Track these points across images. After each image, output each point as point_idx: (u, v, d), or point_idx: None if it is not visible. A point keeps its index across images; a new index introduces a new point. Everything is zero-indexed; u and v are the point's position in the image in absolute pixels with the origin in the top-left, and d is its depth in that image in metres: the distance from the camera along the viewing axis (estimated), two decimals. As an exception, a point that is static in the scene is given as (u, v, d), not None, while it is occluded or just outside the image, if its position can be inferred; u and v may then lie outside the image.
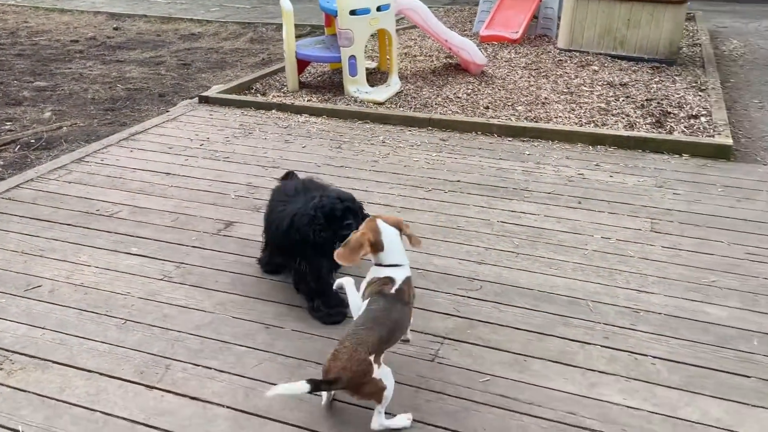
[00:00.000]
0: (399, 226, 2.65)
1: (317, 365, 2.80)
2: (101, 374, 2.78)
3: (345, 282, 2.64)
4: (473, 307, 3.24)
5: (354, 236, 2.57)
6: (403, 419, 2.46)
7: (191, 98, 6.79)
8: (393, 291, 2.51)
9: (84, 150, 5.32)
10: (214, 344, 2.96)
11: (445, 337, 3.02)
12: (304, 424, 2.51)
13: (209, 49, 9.45)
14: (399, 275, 2.57)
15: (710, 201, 4.40)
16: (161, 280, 3.48)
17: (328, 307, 3.12)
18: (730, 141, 5.22)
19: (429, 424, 2.51)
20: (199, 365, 2.83)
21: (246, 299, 3.30)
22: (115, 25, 11.02)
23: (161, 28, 10.91)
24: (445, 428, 2.50)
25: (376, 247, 2.55)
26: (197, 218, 4.15)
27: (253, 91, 6.88)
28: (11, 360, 2.86)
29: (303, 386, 2.20)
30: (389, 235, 2.58)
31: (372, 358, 2.28)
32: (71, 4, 12.78)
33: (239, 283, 3.44)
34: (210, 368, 2.81)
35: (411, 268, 3.46)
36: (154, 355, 2.90)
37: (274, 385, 2.66)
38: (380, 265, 2.60)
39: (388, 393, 2.34)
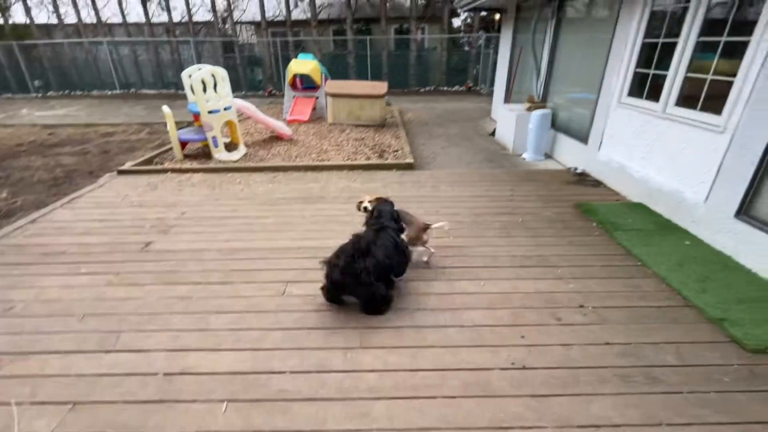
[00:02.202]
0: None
1: (218, 313, 2.57)
2: (69, 352, 2.28)
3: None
4: (301, 263, 3.17)
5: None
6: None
7: (112, 172, 5.70)
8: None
9: (37, 213, 4.21)
10: (147, 316, 2.57)
11: (288, 281, 2.93)
12: (214, 347, 2.29)
13: (121, 141, 7.99)
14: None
15: (407, 190, 4.75)
16: (106, 285, 2.92)
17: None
18: (412, 161, 5.69)
19: (285, 328, 2.44)
20: (139, 331, 2.44)
21: (166, 285, 2.90)
22: (49, 132, 8.80)
23: (84, 131, 8.96)
24: (293, 329, 2.44)
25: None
26: (126, 243, 3.53)
27: (154, 163, 5.96)
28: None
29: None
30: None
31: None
32: (13, 120, 9.95)
33: (160, 277, 3.02)
34: (147, 330, 2.44)
35: (262, 249, 3.32)
36: (108, 332, 2.44)
37: (190, 330, 2.40)
38: None
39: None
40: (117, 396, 1.98)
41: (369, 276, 2.35)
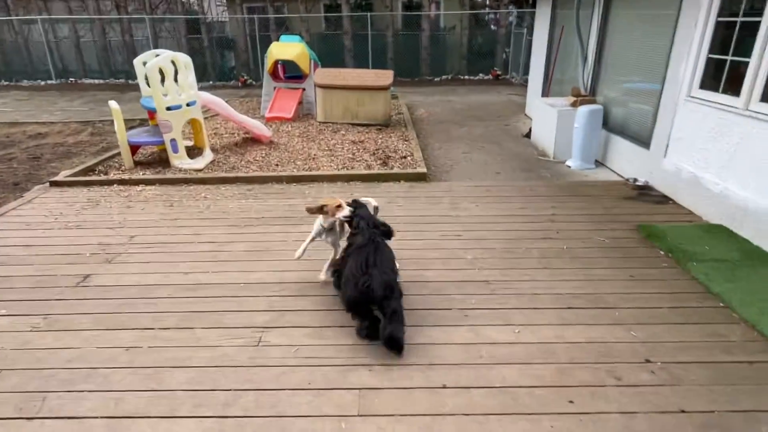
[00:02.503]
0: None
1: (171, 368, 2.56)
2: (-19, 420, 2.26)
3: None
4: (281, 302, 3.19)
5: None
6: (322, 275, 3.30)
7: (43, 184, 5.78)
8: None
9: (-56, 237, 4.26)
10: (83, 371, 2.56)
11: (264, 327, 2.93)
12: (167, 414, 2.28)
13: (56, 143, 8.13)
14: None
15: (419, 207, 4.80)
16: (30, 331, 2.92)
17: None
18: (425, 170, 5.76)
19: (258, 389, 2.43)
20: (73, 390, 2.43)
21: (108, 331, 2.90)
22: (-36, 132, 8.99)
23: (9, 131, 9.14)
24: (272, 389, 2.43)
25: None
26: (57, 277, 3.54)
27: (96, 172, 6.06)
28: None
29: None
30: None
31: None
32: None
33: (100, 320, 3.01)
34: (82, 391, 2.43)
35: (232, 284, 3.36)
36: (31, 392, 2.42)
37: (138, 391, 2.40)
38: None
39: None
40: (40, 479, 1.96)
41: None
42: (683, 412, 2.26)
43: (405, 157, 6.35)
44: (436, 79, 15.79)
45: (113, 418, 2.26)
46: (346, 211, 3.10)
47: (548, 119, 6.55)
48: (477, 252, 3.83)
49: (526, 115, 9.30)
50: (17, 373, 2.55)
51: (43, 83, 15.72)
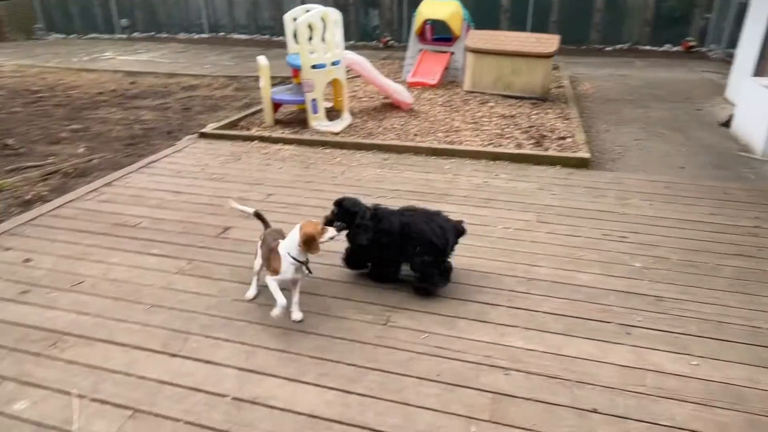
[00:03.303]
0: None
1: (300, 332, 2.78)
2: (135, 347, 2.69)
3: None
4: (413, 283, 3.26)
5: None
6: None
7: (192, 134, 6.60)
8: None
9: (112, 176, 5.10)
10: (220, 320, 2.90)
11: (394, 307, 3.03)
12: (293, 377, 2.49)
13: (204, 96, 9.19)
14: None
15: (576, 198, 4.54)
16: (176, 273, 3.39)
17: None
18: (588, 155, 5.40)
19: (385, 371, 2.53)
20: (209, 336, 2.77)
21: (242, 285, 3.23)
22: (131, 81, 10.61)
23: (166, 81, 10.55)
24: (398, 373, 2.52)
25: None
26: (201, 225, 4.05)
27: (239, 127, 6.74)
28: (64, 340, 2.74)
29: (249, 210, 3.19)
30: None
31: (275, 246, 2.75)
32: (96, 65, 12.23)
33: (236, 273, 3.38)
34: (218, 338, 2.76)
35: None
36: (175, 330, 2.82)
37: (268, 349, 2.64)
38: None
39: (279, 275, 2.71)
40: (180, 413, 2.27)
41: None
42: None
43: (563, 139, 6.00)
44: (608, 49, 14.55)
45: (244, 370, 2.53)
46: (331, 230, 2.77)
47: (761, 105, 5.66)
48: (647, 260, 3.50)
49: (725, 98, 8.17)
50: (164, 311, 2.99)
51: (196, 36, 17.79)
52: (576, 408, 2.29)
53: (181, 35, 18.07)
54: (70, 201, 4.50)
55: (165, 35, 18.15)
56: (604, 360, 2.58)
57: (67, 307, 3.02)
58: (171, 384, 2.44)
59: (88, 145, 6.40)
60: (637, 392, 2.38)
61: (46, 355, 2.63)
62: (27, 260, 3.53)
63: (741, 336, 2.75)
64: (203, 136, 6.41)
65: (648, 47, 14.59)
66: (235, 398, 2.36)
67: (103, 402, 2.34)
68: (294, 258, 2.71)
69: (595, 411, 2.28)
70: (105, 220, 4.14)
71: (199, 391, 2.40)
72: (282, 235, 2.91)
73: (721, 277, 3.30)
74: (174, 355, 2.63)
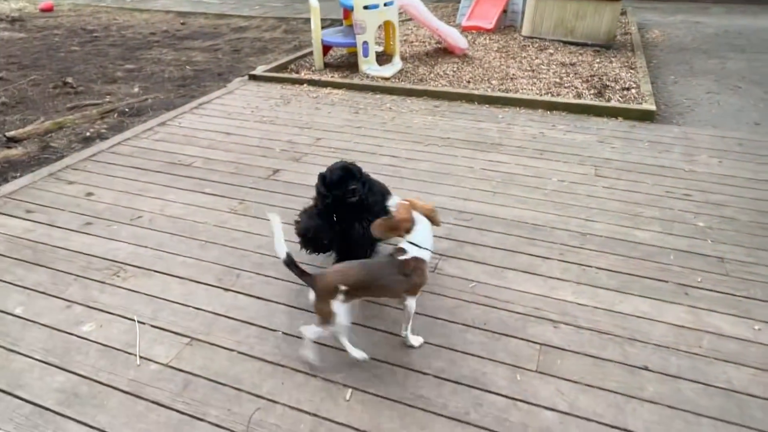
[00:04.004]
0: (430, 215, 2.24)
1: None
2: (191, 280, 2.82)
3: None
4: (462, 232, 3.24)
5: (396, 218, 2.17)
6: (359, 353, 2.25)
7: (242, 76, 6.63)
8: (399, 258, 2.16)
9: (165, 116, 5.22)
10: (271, 259, 2.98)
11: (442, 255, 3.03)
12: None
13: (254, 38, 9.17)
14: (413, 250, 2.17)
15: (638, 152, 4.34)
16: (229, 212, 3.48)
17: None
18: (653, 107, 5.11)
19: (431, 316, 2.56)
20: (261, 274, 2.87)
21: (290, 226, 3.29)
22: (182, 21, 10.67)
23: (216, 23, 10.57)
24: (444, 319, 2.55)
25: (408, 231, 2.18)
26: (252, 167, 4.12)
27: (288, 70, 6.71)
28: (125, 270, 2.90)
29: (282, 251, 2.09)
30: (421, 223, 2.20)
31: (341, 288, 2.05)
32: (148, 4, 12.36)
33: (286, 215, 3.42)
34: (269, 276, 2.85)
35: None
36: (228, 267, 2.93)
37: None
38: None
39: (335, 328, 2.12)
40: (233, 344, 2.39)
41: None
42: None
43: (628, 89, 5.69)
44: (682, -7, 13.47)
45: (294, 307, 2.62)
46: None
47: None
48: (711, 220, 3.34)
49: (815, 49, 7.48)
50: (217, 247, 3.10)
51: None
52: (626, 364, 2.27)
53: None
54: (127, 139, 4.65)
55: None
56: (658, 319, 2.52)
57: (128, 240, 3.17)
58: (225, 316, 2.56)
59: (143, 85, 6.54)
60: (692, 353, 2.33)
61: (110, 283, 2.80)
62: (89, 194, 3.71)
63: (811, 302, 2.62)
64: (253, 78, 6.43)
65: (729, -9, 13.39)
66: (285, 333, 2.45)
67: (162, 329, 2.48)
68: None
69: (646, 368, 2.25)
70: (160, 158, 4.27)
71: (252, 324, 2.51)
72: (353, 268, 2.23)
73: (793, 241, 3.12)
74: (227, 290, 2.74)
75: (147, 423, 2.03)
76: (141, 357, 2.33)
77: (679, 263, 2.92)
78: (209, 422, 2.02)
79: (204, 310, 2.60)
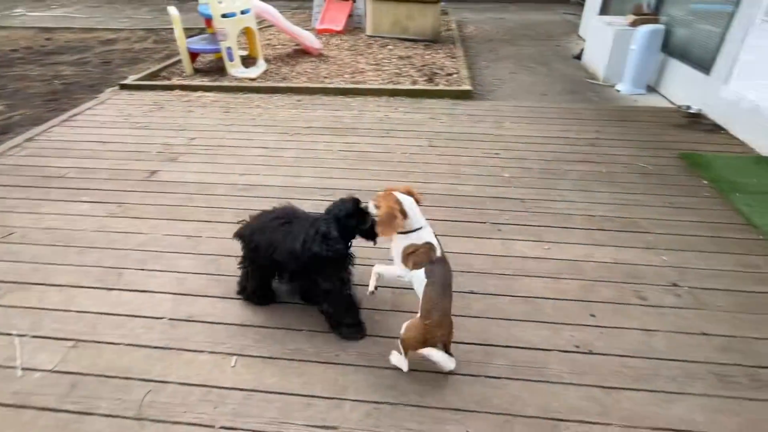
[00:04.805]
0: (410, 193, 1.97)
1: (228, 256, 2.66)
2: (71, 286, 2.46)
3: (380, 269, 1.96)
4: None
5: (382, 212, 1.85)
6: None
7: (114, 86, 5.84)
8: (440, 254, 1.89)
9: (34, 131, 4.43)
10: (153, 253, 2.71)
11: (309, 226, 2.95)
12: (224, 294, 2.40)
13: (124, 49, 8.10)
14: (432, 239, 1.90)
15: (461, 124, 4.57)
16: (107, 216, 3.08)
17: (355, 323, 2.15)
18: (470, 87, 5.39)
19: (304, 280, 2.50)
20: (144, 269, 2.59)
21: (172, 221, 3.02)
22: (46, 37, 9.07)
23: (83, 36, 9.15)
24: (314, 281, 2.50)
25: (404, 214, 1.86)
26: (129, 171, 3.67)
27: (160, 77, 6.03)
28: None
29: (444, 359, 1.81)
30: (408, 202, 1.90)
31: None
32: (6, 22, 10.31)
33: (166, 211, 3.14)
34: (153, 270, 2.58)
35: (281, 187, 3.36)
36: (110, 267, 2.60)
37: (199, 274, 2.51)
38: (406, 232, 1.89)
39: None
40: (120, 337, 2.14)
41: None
42: (704, 334, 2.17)
43: (451, 75, 5.94)
44: (488, -4, 14.32)
45: (178, 294, 2.41)
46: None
47: (603, 39, 5.87)
48: (515, 171, 3.64)
49: (579, 36, 8.39)
50: (98, 251, 2.73)
51: (111, -9, 15.40)
52: (458, 291, 2.40)
53: (95, -10, 15.54)
54: (-8, 158, 3.90)
55: (77, -11, 15.54)
56: (479, 252, 2.71)
57: (1, 257, 2.68)
58: (109, 314, 2.28)
59: (7, 103, 5.50)
60: (503, 274, 2.54)
61: (-18, 302, 2.35)
62: (-49, 217, 3.07)
63: (581, 223, 2.98)
64: (125, 87, 5.69)
65: (521, -7, 14.49)
66: (171, 319, 2.25)
67: (44, 338, 2.15)
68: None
69: (471, 292, 2.41)
70: (30, 173, 3.63)
71: (137, 317, 2.26)
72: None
73: (568, 180, 3.51)
74: (110, 289, 2.44)
75: (36, 429, 1.76)
76: (23, 368, 2.00)
77: (493, 207, 3.15)
78: (100, 414, 1.81)
79: (87, 312, 2.29)
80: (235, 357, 2.05)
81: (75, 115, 4.85)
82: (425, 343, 1.81)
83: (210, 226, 2.95)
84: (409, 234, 1.90)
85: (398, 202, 1.88)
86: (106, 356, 2.05)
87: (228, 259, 2.64)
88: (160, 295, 2.40)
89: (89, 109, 5.03)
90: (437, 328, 1.79)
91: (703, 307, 2.31)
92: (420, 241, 1.88)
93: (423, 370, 1.97)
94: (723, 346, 2.11)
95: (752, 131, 4.01)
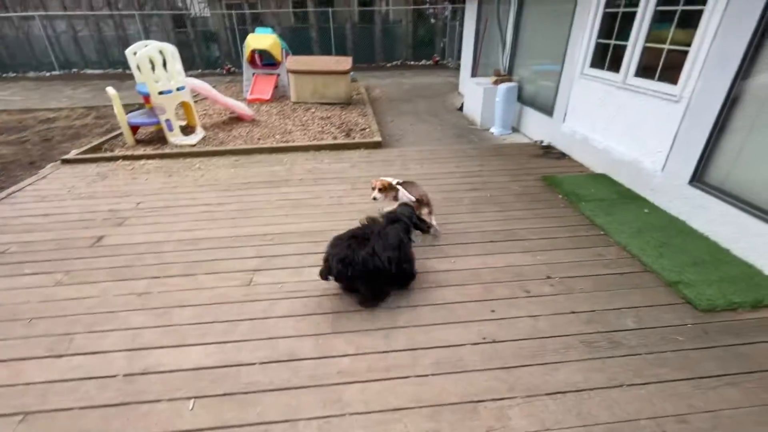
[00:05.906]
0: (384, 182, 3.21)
1: (182, 307, 2.46)
2: (18, 359, 2.13)
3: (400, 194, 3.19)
4: (268, 249, 3.09)
5: (385, 185, 3.20)
6: None
7: (55, 162, 5.28)
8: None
9: (-32, 211, 3.85)
10: (103, 315, 2.43)
11: (255, 270, 2.84)
12: (178, 343, 2.20)
13: (65, 126, 7.38)
14: (402, 189, 3.20)
15: (376, 169, 4.68)
16: (54, 285, 2.73)
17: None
18: (380, 139, 5.60)
19: (253, 319, 2.38)
20: (96, 331, 2.31)
21: (122, 282, 2.75)
22: (-22, 119, 8.01)
23: (21, 117, 8.21)
24: (262, 318, 2.38)
25: (392, 185, 3.20)
26: (75, 239, 3.29)
27: (103, 150, 5.57)
28: (-72, 376, 2.04)
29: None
30: (389, 179, 3.26)
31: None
32: (-68, 106, 8.98)
33: (115, 273, 2.85)
34: (104, 331, 2.31)
35: (226, 237, 3.21)
36: (59, 335, 2.29)
37: (152, 327, 2.30)
38: (396, 189, 3.21)
39: None
40: (73, 402, 1.87)
41: (361, 266, 2.22)
42: (573, 312, 2.39)
43: (364, 129, 6.15)
44: (388, 65, 15.20)
45: (132, 350, 2.18)
46: (375, 193, 3.24)
47: (476, 95, 6.46)
48: (422, 202, 3.80)
49: (459, 92, 9.15)
50: (45, 320, 2.40)
51: (48, 74, 14.09)
52: (388, 308, 2.42)
53: (31, 74, 14.18)
54: None
55: (12, 75, 14.06)
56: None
57: (-67, 342, 2.25)
58: (60, 381, 1.99)
59: (-62, 186, 4.73)
60: (423, 288, 2.60)
61: None
62: None
63: (476, 238, 3.18)
64: (67, 162, 5.16)
65: (412, 62, 15.60)
66: (126, 375, 2.02)
67: (-12, 416, 1.82)
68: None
69: (398, 307, 2.44)
70: (-33, 253, 3.13)
71: (90, 378, 2.00)
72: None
73: (463, 205, 3.74)
74: (60, 356, 2.14)
75: None
76: (-35, 453, 1.67)
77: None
78: (55, 484, 1.55)
79: (36, 383, 1.98)
80: (192, 400, 1.88)
81: (15, 192, 4.29)
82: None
83: (160, 281, 2.73)
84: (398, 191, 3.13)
85: (387, 182, 3.15)
86: (59, 423, 1.78)
87: (180, 309, 2.45)
88: (113, 353, 2.15)
89: (30, 185, 4.48)
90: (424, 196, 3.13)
91: (570, 292, 2.55)
92: (400, 191, 3.17)
93: (365, 381, 1.95)
94: (588, 319, 2.33)
95: (585, 156, 4.60)
